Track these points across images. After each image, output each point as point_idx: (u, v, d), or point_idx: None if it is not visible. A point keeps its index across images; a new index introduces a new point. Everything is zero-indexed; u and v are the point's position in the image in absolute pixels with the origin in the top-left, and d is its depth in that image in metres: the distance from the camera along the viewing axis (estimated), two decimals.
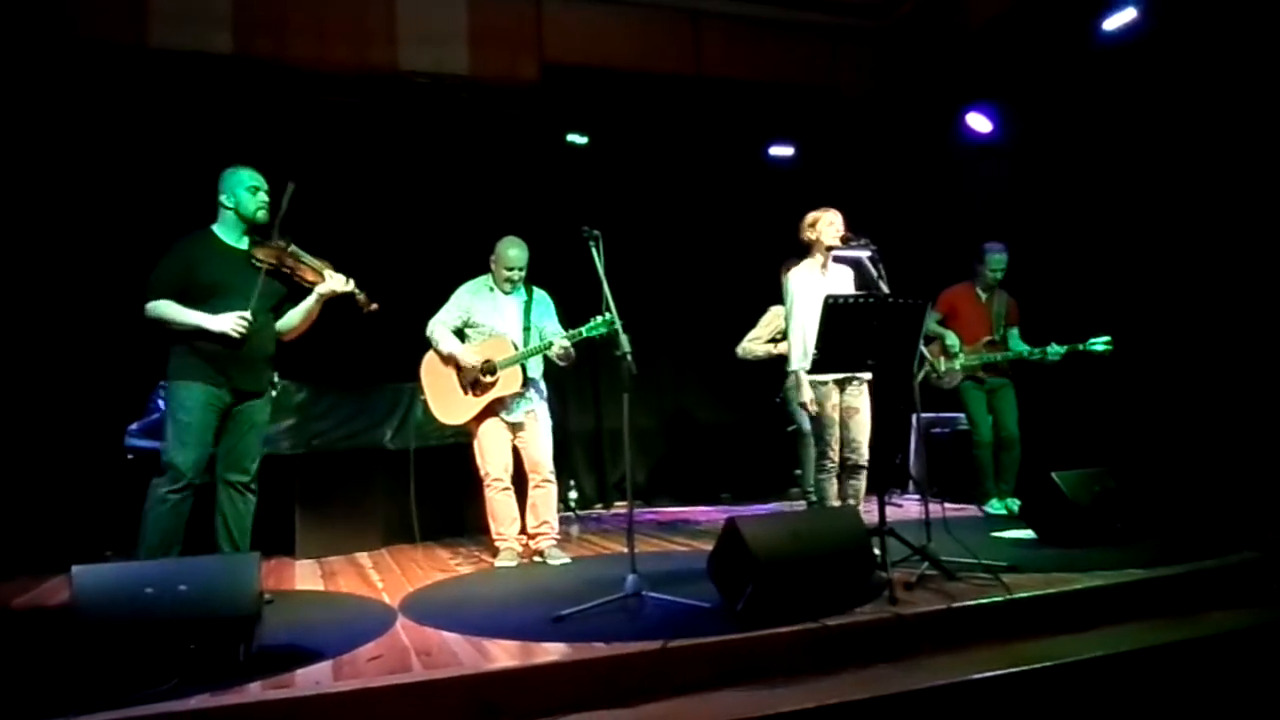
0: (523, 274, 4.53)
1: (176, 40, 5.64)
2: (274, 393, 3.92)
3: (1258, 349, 4.95)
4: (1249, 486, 4.85)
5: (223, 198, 3.73)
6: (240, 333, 3.57)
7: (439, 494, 5.53)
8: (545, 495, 4.54)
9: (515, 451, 4.55)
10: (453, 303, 4.56)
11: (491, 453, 4.47)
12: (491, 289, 4.57)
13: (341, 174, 6.29)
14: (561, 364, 4.49)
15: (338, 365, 5.62)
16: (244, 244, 3.75)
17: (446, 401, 4.48)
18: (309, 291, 3.82)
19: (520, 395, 4.47)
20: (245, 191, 3.73)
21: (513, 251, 4.49)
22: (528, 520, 4.58)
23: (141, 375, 4.78)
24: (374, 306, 3.91)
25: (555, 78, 6.42)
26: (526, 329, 4.54)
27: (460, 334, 4.54)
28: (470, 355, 4.42)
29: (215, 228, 3.76)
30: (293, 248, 3.79)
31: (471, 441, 4.54)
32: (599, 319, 4.09)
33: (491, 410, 4.45)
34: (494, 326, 4.50)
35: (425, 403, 4.59)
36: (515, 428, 4.51)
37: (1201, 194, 5.23)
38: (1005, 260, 5.67)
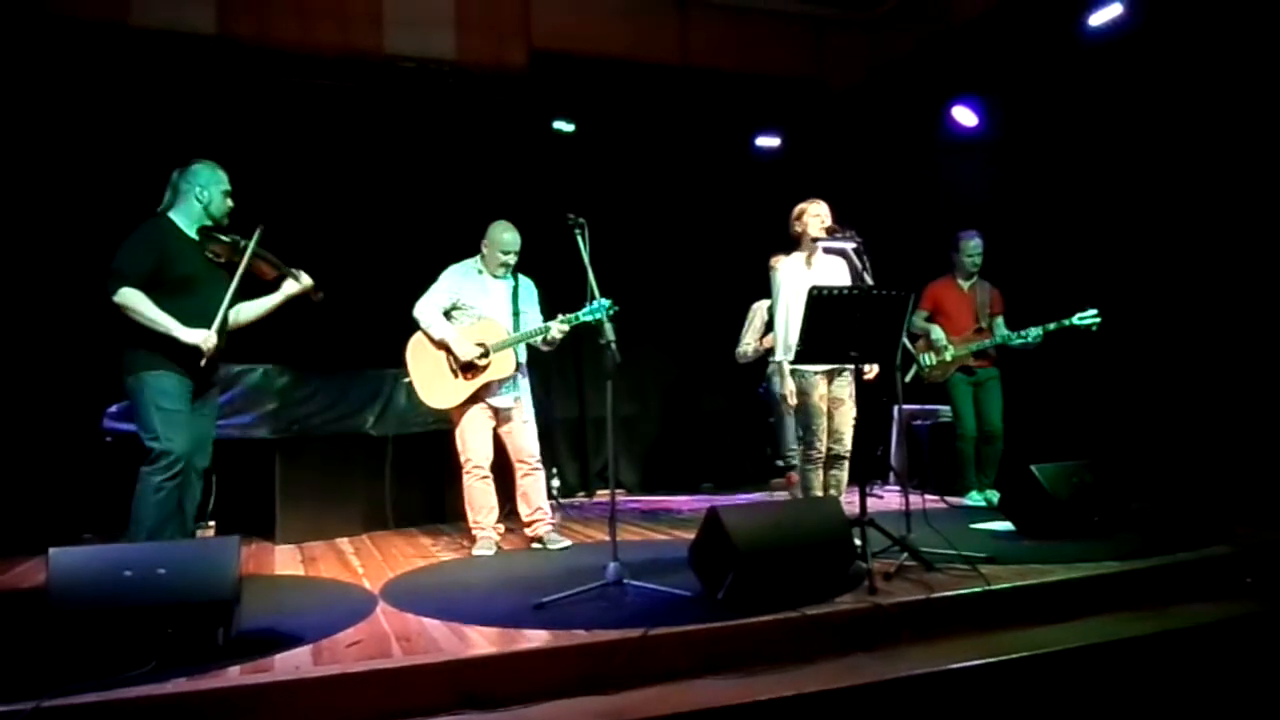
0: (516, 258, 4.52)
1: (158, 19, 5.57)
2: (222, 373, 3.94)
3: (1236, 346, 5.01)
4: (1220, 482, 4.91)
5: (195, 191, 3.70)
6: (208, 351, 3.60)
7: (421, 480, 5.53)
8: (535, 482, 4.55)
9: (496, 440, 4.54)
10: (442, 284, 4.51)
11: (473, 441, 4.44)
12: (481, 271, 4.55)
13: (325, 158, 6.24)
14: (545, 348, 4.50)
15: (320, 350, 5.59)
16: (196, 237, 3.72)
17: (435, 385, 4.41)
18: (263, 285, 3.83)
19: (511, 380, 4.47)
20: (220, 194, 3.75)
21: (508, 235, 4.48)
22: (521, 509, 4.58)
23: (119, 358, 4.74)
24: (320, 295, 3.93)
25: (543, 64, 6.39)
26: (516, 314, 4.53)
27: (447, 316, 4.51)
28: (464, 341, 4.38)
29: (174, 216, 3.72)
30: (244, 243, 3.74)
31: (453, 429, 4.52)
32: (599, 302, 3.97)
33: (477, 396, 4.43)
34: (483, 310, 4.47)
35: (410, 386, 4.51)
36: (500, 415, 4.50)
37: (1186, 189, 5.27)
38: (981, 246, 5.70)
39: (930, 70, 6.62)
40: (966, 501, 5.63)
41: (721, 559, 3.15)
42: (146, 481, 3.52)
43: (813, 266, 4.51)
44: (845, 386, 4.42)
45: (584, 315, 4.14)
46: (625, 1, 6.62)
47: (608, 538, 3.61)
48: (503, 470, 4.60)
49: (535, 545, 4.56)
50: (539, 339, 4.43)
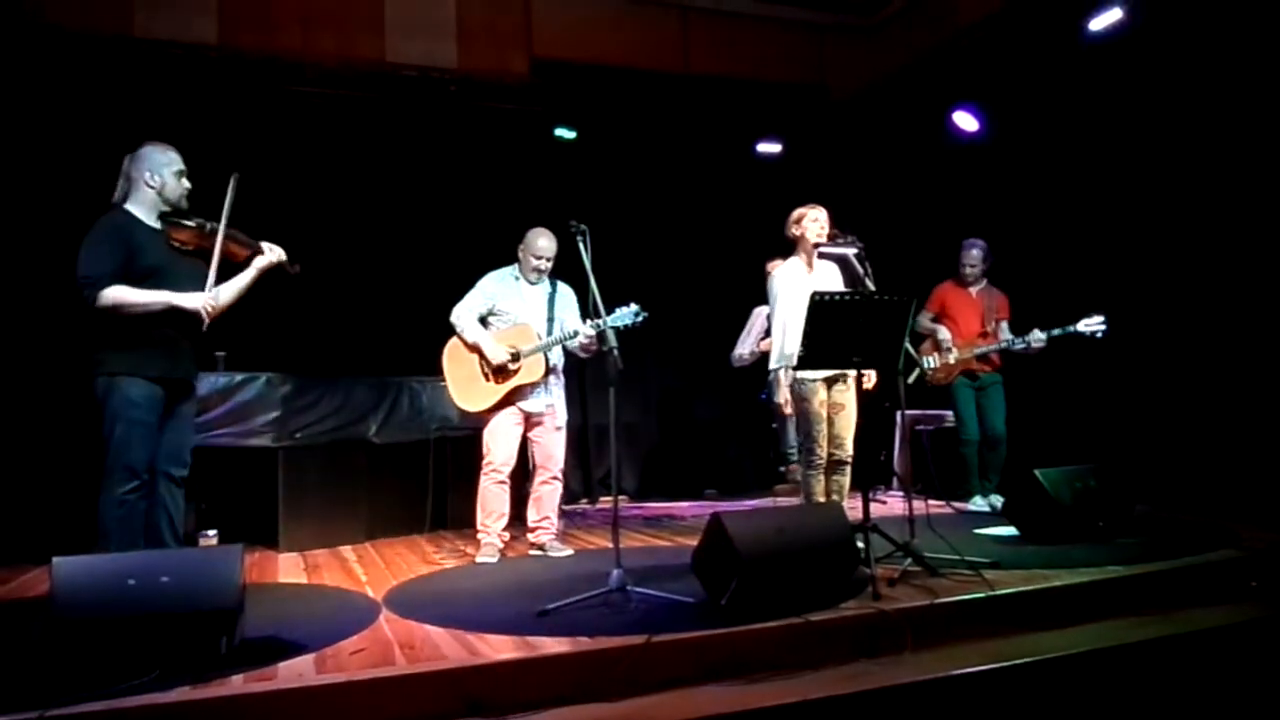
0: (550, 264, 4.56)
1: (161, 30, 5.60)
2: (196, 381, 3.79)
3: (1241, 350, 5.00)
4: (1225, 486, 4.90)
5: (145, 176, 3.52)
6: (209, 312, 3.48)
7: (425, 487, 5.52)
8: (551, 491, 4.59)
9: (521, 447, 4.57)
10: (478, 290, 4.57)
11: (499, 443, 4.47)
12: (517, 278, 4.59)
13: (327, 167, 6.26)
14: (583, 355, 4.53)
15: (324, 358, 5.60)
16: (158, 225, 3.55)
17: (468, 388, 4.48)
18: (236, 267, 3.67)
19: (542, 385, 4.49)
20: (173, 176, 3.57)
21: (542, 241, 4.52)
22: (529, 514, 4.62)
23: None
24: (296, 268, 3.78)
25: (544, 73, 6.40)
26: (550, 319, 4.56)
27: (483, 322, 4.55)
28: (495, 345, 4.43)
29: (130, 208, 3.54)
30: (210, 226, 3.56)
31: (482, 429, 4.54)
32: (629, 309, 4.07)
33: (509, 400, 4.45)
34: (518, 315, 4.52)
35: (445, 388, 4.57)
36: (532, 419, 4.53)
37: (1189, 193, 5.27)
38: (980, 256, 5.73)
39: (931, 76, 6.64)
40: (970, 506, 5.62)
41: (725, 565, 3.14)
42: (107, 495, 3.36)
43: (813, 272, 4.50)
44: (845, 392, 4.41)
45: (614, 321, 4.07)
46: (626, 9, 6.64)
47: (610, 544, 3.60)
48: (518, 479, 4.62)
49: (536, 552, 4.56)
50: (570, 344, 4.45)
